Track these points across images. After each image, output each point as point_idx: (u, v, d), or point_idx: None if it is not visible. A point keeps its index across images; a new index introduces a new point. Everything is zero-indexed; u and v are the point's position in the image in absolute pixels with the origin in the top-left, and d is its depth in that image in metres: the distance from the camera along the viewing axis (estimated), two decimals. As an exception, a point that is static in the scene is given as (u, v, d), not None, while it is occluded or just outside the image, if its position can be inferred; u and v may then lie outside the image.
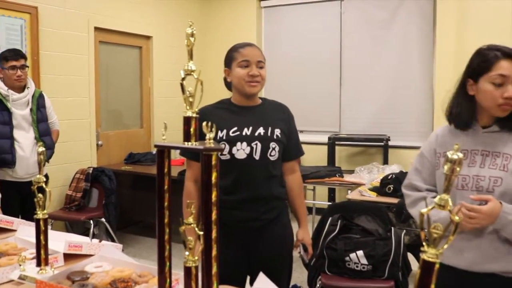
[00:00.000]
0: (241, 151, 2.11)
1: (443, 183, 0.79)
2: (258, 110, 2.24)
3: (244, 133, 2.14)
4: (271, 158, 2.15)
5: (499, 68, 1.70)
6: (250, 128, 2.15)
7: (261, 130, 2.16)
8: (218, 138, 2.12)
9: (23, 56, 3.70)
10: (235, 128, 2.15)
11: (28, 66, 3.74)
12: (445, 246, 0.77)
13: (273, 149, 2.16)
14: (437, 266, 0.77)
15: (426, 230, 0.80)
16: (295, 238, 2.36)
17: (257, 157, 2.12)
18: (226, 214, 1.89)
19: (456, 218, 0.76)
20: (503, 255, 1.72)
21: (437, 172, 1.87)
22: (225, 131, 2.14)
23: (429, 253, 0.78)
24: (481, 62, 1.75)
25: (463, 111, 1.83)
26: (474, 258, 1.75)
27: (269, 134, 2.17)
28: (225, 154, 2.12)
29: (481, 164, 1.75)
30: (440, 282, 1.88)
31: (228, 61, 2.22)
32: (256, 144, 2.12)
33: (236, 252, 2.16)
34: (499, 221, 1.64)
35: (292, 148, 2.29)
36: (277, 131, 2.19)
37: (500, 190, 1.70)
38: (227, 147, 2.12)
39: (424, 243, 0.80)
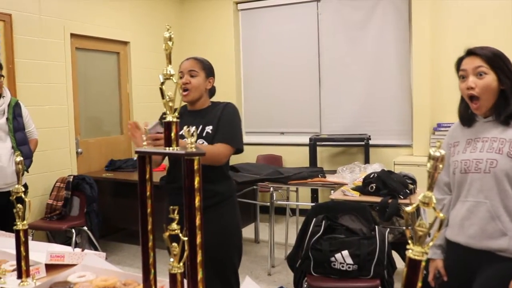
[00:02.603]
0: None
1: (427, 180, 0.79)
2: (202, 112, 2.55)
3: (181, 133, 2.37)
4: None
5: (462, 66, 1.93)
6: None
7: (193, 129, 2.34)
8: None
9: None
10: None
11: (3, 76, 3.66)
12: (431, 244, 0.78)
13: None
14: (423, 264, 0.77)
15: (411, 228, 0.80)
16: None
17: None
18: (170, 199, 2.50)
19: (441, 215, 0.76)
20: (499, 234, 1.85)
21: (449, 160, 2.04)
22: None
23: (415, 251, 0.78)
24: (456, 64, 1.98)
25: (460, 108, 2.04)
26: (473, 234, 1.90)
27: (199, 131, 2.44)
28: None
29: (481, 149, 1.91)
30: (446, 257, 2.00)
31: None
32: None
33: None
34: None
35: (217, 135, 2.45)
36: (208, 128, 2.47)
37: (495, 170, 1.85)
38: None
39: (409, 241, 0.80)
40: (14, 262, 1.67)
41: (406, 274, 0.78)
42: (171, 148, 1.20)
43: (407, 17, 5.79)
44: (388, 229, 3.11)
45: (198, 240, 1.14)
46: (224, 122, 2.48)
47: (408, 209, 0.79)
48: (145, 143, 2.17)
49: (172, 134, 1.20)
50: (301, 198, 5.51)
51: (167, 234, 1.19)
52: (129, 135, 2.40)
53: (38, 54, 4.84)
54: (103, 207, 5.00)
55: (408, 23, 5.78)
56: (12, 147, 3.62)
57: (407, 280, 0.79)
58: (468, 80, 1.88)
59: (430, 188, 0.79)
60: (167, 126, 1.20)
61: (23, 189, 1.65)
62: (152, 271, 1.28)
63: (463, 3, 5.38)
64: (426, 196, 0.78)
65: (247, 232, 5.37)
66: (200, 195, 1.15)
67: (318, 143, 5.97)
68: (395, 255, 3.12)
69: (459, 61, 1.95)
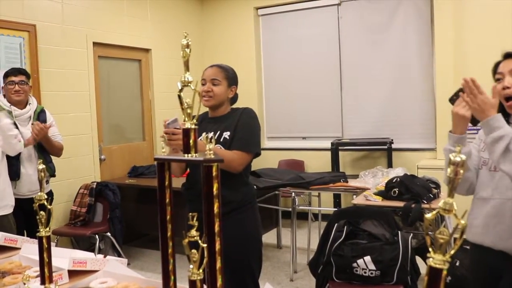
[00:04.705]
0: None
1: (447, 185, 0.78)
2: (221, 119, 2.55)
3: (200, 139, 2.37)
4: None
5: (499, 69, 1.91)
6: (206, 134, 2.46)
7: (211, 135, 2.47)
8: None
9: (23, 73, 3.71)
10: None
11: (28, 84, 3.73)
12: (452, 252, 0.76)
13: None
14: (444, 272, 0.75)
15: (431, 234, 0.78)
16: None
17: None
18: (188, 205, 2.51)
19: (462, 222, 0.74)
20: None
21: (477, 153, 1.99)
22: None
23: (436, 260, 0.76)
24: (493, 68, 1.96)
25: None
26: (500, 233, 1.85)
27: (216, 137, 2.46)
28: None
29: None
30: (469, 261, 1.94)
31: None
32: None
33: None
34: (489, 122, 1.75)
35: (234, 141, 2.45)
36: (226, 134, 2.47)
37: None
38: None
39: (430, 249, 0.78)
40: (38, 268, 1.69)
41: (426, 284, 0.77)
42: (189, 154, 1.20)
43: (429, 19, 5.73)
44: (412, 234, 3.07)
45: (217, 246, 1.14)
46: (240, 128, 2.47)
47: (429, 216, 0.77)
48: (162, 138, 2.21)
49: (191, 141, 1.20)
50: (323, 203, 5.48)
51: (186, 240, 1.19)
52: (167, 143, 2.38)
53: (61, 63, 4.92)
54: (126, 213, 5.05)
55: (431, 25, 5.71)
56: (35, 154, 3.68)
57: (428, 289, 0.76)
58: (504, 80, 1.86)
59: (451, 194, 0.77)
60: (186, 133, 1.20)
61: (46, 197, 1.67)
62: (172, 277, 1.28)
63: (486, 4, 5.29)
64: (447, 203, 0.76)
65: (269, 237, 5.36)
66: (219, 202, 1.14)
67: (340, 147, 5.94)
68: (419, 260, 3.07)
69: (496, 65, 1.93)
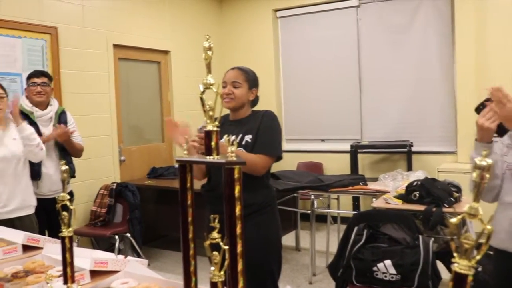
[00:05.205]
0: None
1: (473, 191, 0.77)
2: (243, 121, 2.56)
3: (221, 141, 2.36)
4: None
5: None
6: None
7: (233, 138, 2.39)
8: None
9: (45, 75, 3.79)
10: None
11: (50, 85, 3.80)
12: (478, 257, 0.75)
13: None
14: (470, 278, 0.74)
15: (456, 239, 0.77)
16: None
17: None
18: (209, 206, 2.52)
19: (488, 227, 0.73)
20: None
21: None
22: None
23: (461, 265, 0.75)
24: None
25: None
26: None
27: (238, 140, 2.45)
28: None
29: None
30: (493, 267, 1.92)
31: None
32: None
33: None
34: None
35: (256, 144, 2.45)
36: (248, 137, 2.47)
37: None
38: None
39: (455, 254, 0.77)
40: (61, 268, 1.71)
41: (452, 288, 0.76)
42: (211, 157, 1.20)
43: (450, 20, 5.66)
44: (433, 239, 3.03)
45: (239, 249, 1.14)
46: (262, 132, 2.48)
47: (453, 220, 0.76)
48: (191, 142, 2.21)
49: (212, 143, 1.20)
50: (342, 206, 5.45)
51: (207, 242, 1.19)
52: (167, 131, 2.40)
53: (82, 65, 4.98)
54: (145, 214, 5.08)
55: (451, 26, 5.65)
56: (56, 154, 3.74)
57: (453, 294, 0.75)
58: None
59: (476, 199, 0.76)
60: (207, 135, 1.20)
61: (68, 197, 1.69)
62: (193, 279, 1.28)
63: (509, 4, 5.20)
64: (472, 207, 0.75)
65: (288, 240, 5.34)
66: (240, 204, 1.14)
67: (359, 150, 5.91)
68: (439, 265, 3.04)
69: None
